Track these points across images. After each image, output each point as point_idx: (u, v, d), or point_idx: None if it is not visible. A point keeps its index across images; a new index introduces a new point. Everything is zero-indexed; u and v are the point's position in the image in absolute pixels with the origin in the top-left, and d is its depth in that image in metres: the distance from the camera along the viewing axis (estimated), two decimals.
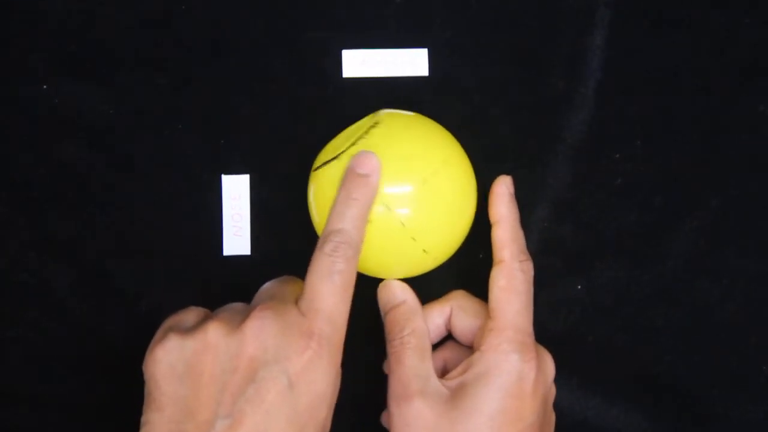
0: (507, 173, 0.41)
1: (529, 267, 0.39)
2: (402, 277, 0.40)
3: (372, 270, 0.39)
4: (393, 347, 0.38)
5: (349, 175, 0.37)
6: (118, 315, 0.43)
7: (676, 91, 0.45)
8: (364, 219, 0.36)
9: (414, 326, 0.38)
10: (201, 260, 0.43)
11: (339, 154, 0.38)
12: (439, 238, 0.39)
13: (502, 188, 0.40)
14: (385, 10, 0.44)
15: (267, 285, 0.37)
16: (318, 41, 0.44)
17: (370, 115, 0.40)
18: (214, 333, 0.33)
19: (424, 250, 0.38)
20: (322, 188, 0.38)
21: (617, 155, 0.44)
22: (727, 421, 0.44)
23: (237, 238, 0.43)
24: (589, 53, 0.44)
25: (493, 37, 0.44)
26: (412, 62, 0.44)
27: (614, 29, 0.44)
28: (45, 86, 0.43)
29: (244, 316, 0.34)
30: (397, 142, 0.38)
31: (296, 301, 0.35)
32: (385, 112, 0.40)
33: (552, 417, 0.40)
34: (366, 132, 0.38)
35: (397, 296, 0.39)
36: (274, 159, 0.44)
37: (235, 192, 0.44)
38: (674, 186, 0.44)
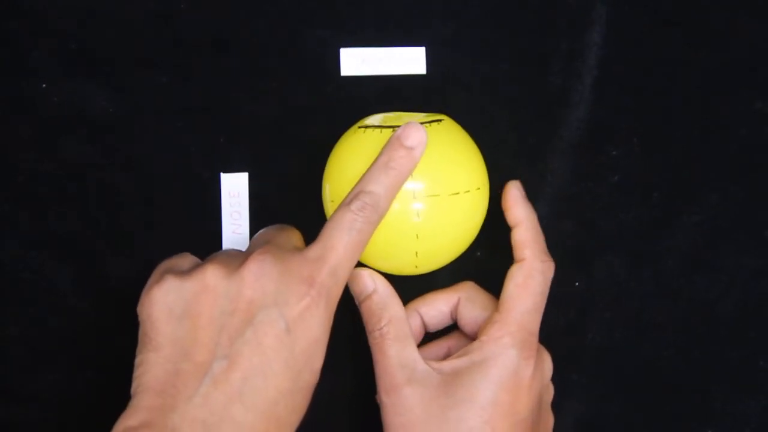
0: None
1: (549, 268, 0.39)
2: (381, 270, 0.39)
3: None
4: (373, 339, 0.38)
5: (394, 144, 0.36)
6: (118, 312, 0.43)
7: (673, 88, 0.45)
8: (396, 190, 0.36)
9: (390, 315, 0.38)
10: (200, 258, 0.43)
11: (397, 127, 0.37)
12: (437, 249, 0.38)
13: (515, 192, 0.40)
14: (383, 8, 0.44)
15: (264, 230, 0.38)
16: (317, 39, 0.44)
17: (428, 113, 0.40)
18: (213, 275, 0.33)
19: (416, 253, 0.38)
20: (360, 149, 0.38)
21: (614, 152, 0.45)
22: (725, 415, 0.44)
23: (236, 235, 0.44)
24: (586, 50, 0.45)
25: (491, 35, 0.45)
26: (410, 60, 0.44)
27: (611, 27, 0.45)
28: (45, 84, 0.43)
29: (243, 260, 0.34)
30: (450, 147, 0.38)
31: (296, 248, 0.35)
32: (446, 117, 0.40)
33: (549, 418, 0.40)
34: (429, 123, 0.38)
35: (367, 285, 0.38)
36: (273, 157, 0.44)
37: (234, 190, 0.44)
38: (672, 182, 0.45)
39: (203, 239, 0.44)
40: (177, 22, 0.44)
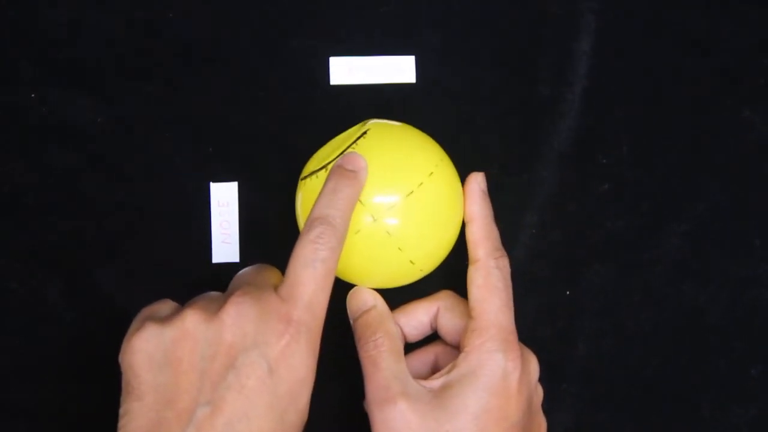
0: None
1: (505, 263, 0.39)
2: (389, 287, 0.40)
3: (360, 279, 0.39)
4: (367, 351, 0.38)
5: (337, 171, 0.36)
6: (108, 323, 0.43)
7: (661, 97, 0.45)
8: (349, 210, 0.36)
9: (386, 329, 0.38)
10: (190, 268, 0.43)
11: (327, 164, 0.38)
12: (426, 248, 0.38)
13: (474, 186, 0.40)
14: (372, 17, 0.45)
15: (242, 272, 0.37)
16: (305, 49, 0.44)
17: (359, 125, 0.40)
18: (192, 320, 0.33)
19: (411, 261, 0.38)
20: (310, 198, 0.38)
21: (604, 161, 0.45)
22: (714, 423, 0.44)
23: (226, 245, 0.44)
24: (575, 59, 0.45)
25: (480, 44, 0.45)
26: (399, 69, 0.44)
27: (600, 36, 0.45)
28: (33, 95, 0.43)
29: (221, 303, 0.34)
30: (386, 152, 0.38)
31: (275, 287, 0.35)
32: (374, 122, 0.40)
33: (542, 421, 0.39)
34: (354, 142, 0.38)
35: (367, 302, 0.39)
36: (262, 166, 0.44)
37: (224, 199, 0.44)
38: (661, 191, 0.45)
39: (193, 249, 0.43)
40: (166, 31, 0.44)
